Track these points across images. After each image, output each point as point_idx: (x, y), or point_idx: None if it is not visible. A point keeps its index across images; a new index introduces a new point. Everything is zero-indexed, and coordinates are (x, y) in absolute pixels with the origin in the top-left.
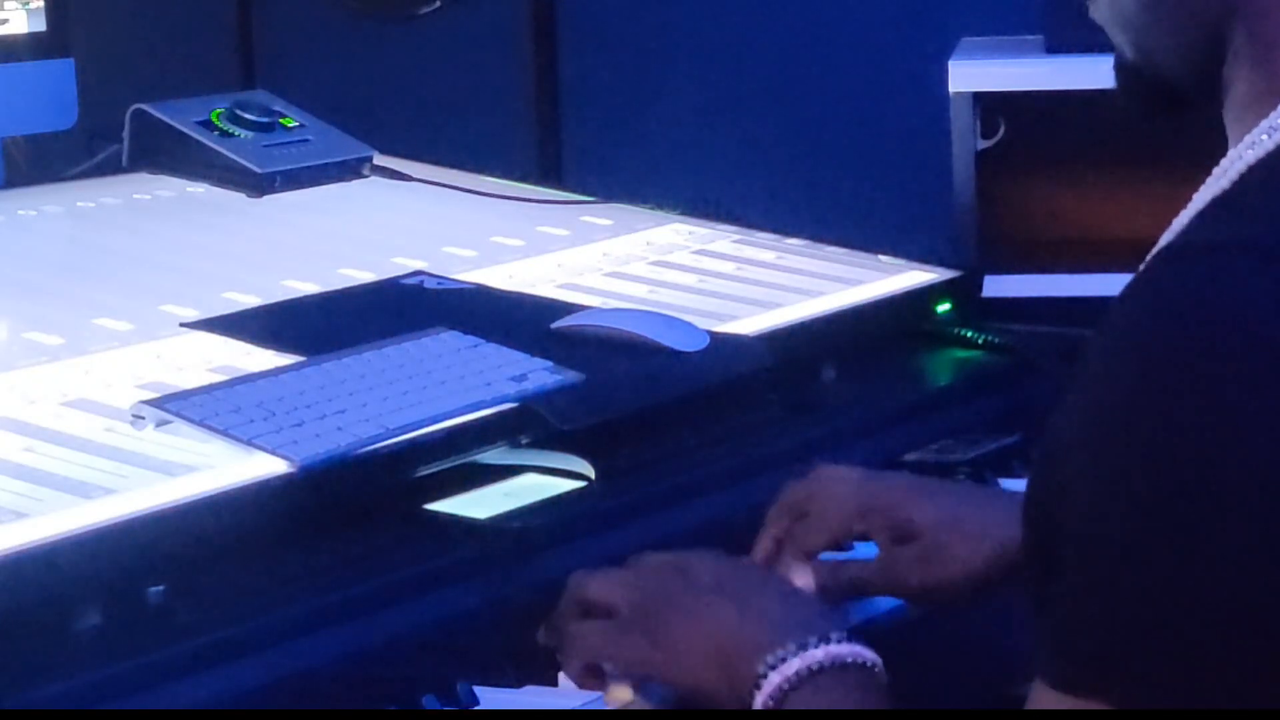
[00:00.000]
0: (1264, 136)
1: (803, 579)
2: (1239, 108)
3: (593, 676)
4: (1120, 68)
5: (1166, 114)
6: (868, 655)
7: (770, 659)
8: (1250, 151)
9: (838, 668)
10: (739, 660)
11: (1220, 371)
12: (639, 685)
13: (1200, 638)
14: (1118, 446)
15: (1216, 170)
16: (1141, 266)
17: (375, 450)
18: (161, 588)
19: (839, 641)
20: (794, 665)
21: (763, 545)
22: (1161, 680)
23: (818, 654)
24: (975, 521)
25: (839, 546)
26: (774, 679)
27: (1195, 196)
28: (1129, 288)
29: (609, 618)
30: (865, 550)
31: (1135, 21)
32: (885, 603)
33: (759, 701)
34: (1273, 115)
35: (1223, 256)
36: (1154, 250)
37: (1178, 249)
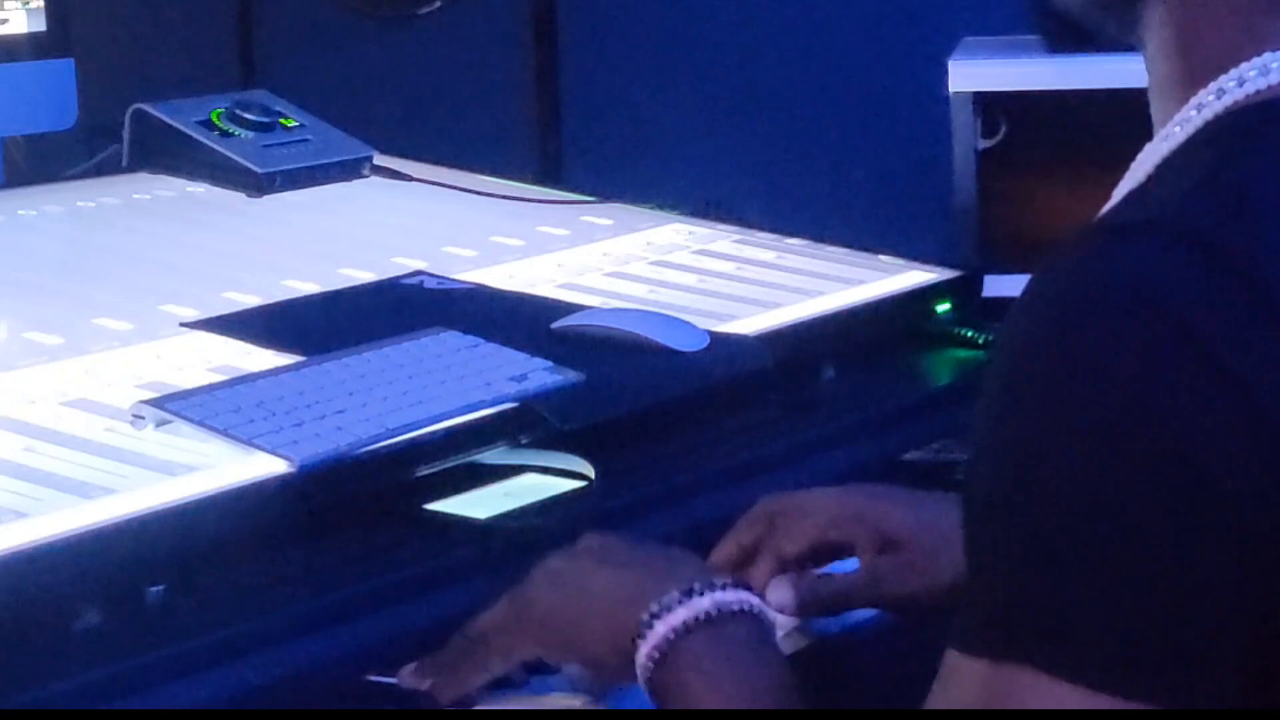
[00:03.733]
0: (1176, 129)
1: (780, 593)
2: (1158, 93)
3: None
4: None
5: (1078, 46)
6: (753, 601)
7: (654, 607)
8: (1165, 144)
9: (726, 615)
10: (623, 614)
11: (1113, 341)
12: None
13: (1095, 593)
14: (1011, 416)
15: (1134, 164)
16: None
17: (375, 450)
18: (161, 588)
19: (724, 589)
20: (680, 615)
21: (725, 549)
22: (1074, 639)
23: (704, 602)
24: (954, 528)
25: (817, 562)
26: (659, 629)
27: (1115, 191)
28: (1034, 271)
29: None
30: (845, 566)
31: None
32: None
33: (643, 651)
34: (1184, 109)
35: (1123, 235)
36: None
37: (1081, 232)
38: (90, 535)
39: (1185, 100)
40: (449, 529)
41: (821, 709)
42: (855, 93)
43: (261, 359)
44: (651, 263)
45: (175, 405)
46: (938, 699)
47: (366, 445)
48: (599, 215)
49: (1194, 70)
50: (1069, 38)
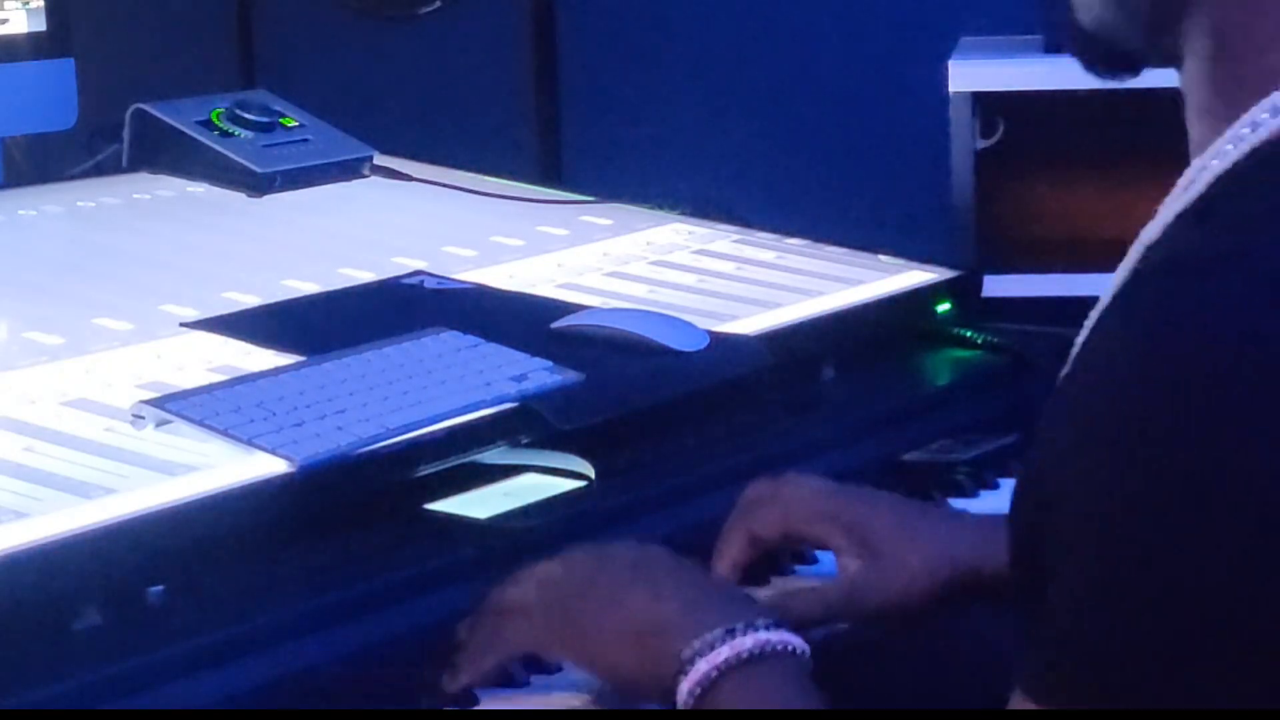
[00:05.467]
0: (1229, 146)
1: None
2: (1200, 111)
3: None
4: (1074, 32)
5: (1126, 75)
6: (795, 641)
7: (697, 644)
8: (1216, 162)
9: (767, 655)
10: (660, 642)
11: (1222, 387)
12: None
13: (1199, 651)
14: (1121, 466)
15: (1182, 180)
16: (1122, 279)
17: (375, 450)
18: (161, 588)
19: (767, 628)
20: (723, 653)
21: (728, 551)
22: (1159, 691)
23: (747, 641)
24: (930, 538)
25: (798, 558)
26: (702, 666)
27: (1162, 208)
28: (1118, 302)
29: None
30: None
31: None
32: None
33: (684, 688)
34: (1237, 125)
35: (1214, 270)
36: (1130, 262)
37: (1165, 263)
38: (90, 535)
39: (1233, 117)
40: (449, 529)
41: (824, 710)
42: (855, 93)
43: (261, 359)
44: (651, 263)
45: (175, 405)
46: None
47: (366, 445)
48: (599, 215)
49: (1242, 85)
50: (1107, 64)
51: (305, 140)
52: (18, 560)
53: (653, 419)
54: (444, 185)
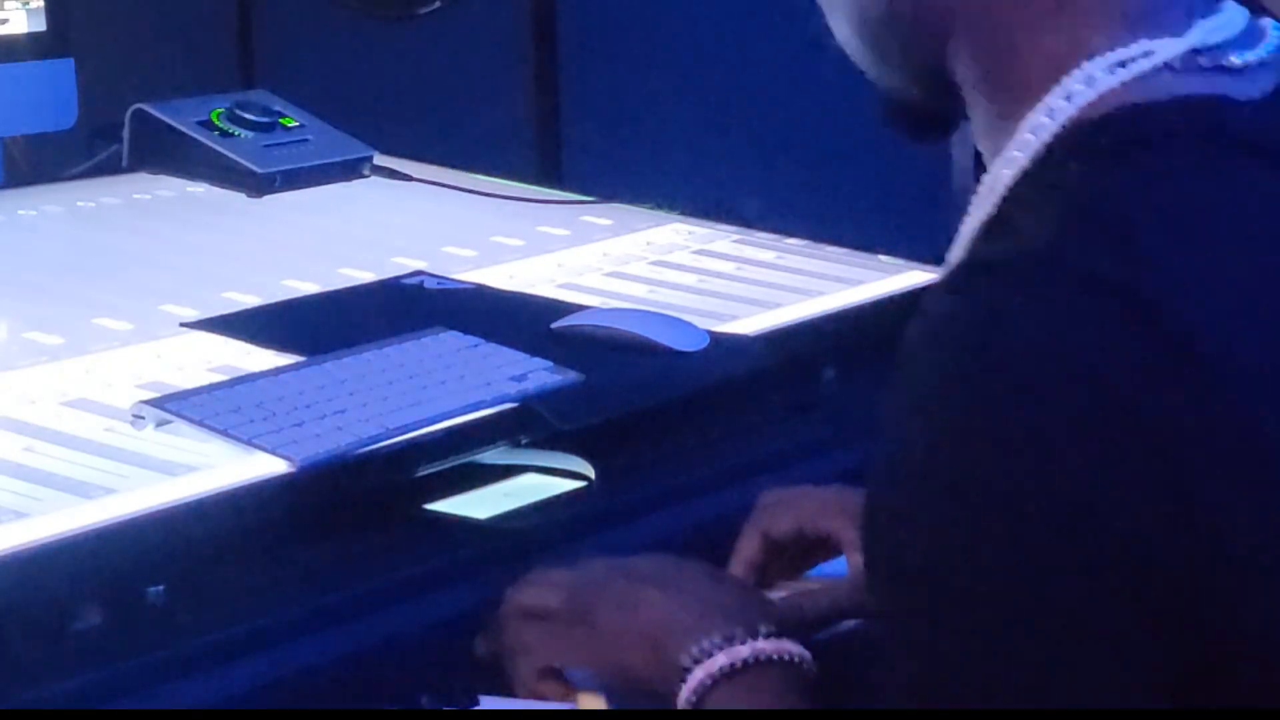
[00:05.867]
0: (1016, 153)
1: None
2: (983, 132)
3: (547, 681)
4: (879, 98)
5: (939, 136)
6: (794, 650)
7: (695, 651)
8: (1007, 171)
9: (763, 664)
10: (668, 645)
11: (998, 397)
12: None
13: (1012, 673)
14: (903, 485)
15: (979, 194)
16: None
17: (375, 450)
18: (161, 588)
19: (766, 637)
20: (719, 661)
21: (741, 563)
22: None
23: (743, 650)
24: None
25: (807, 560)
26: (699, 673)
27: (965, 222)
28: (916, 316)
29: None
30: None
31: (867, 64)
32: None
33: (683, 695)
34: (1019, 134)
35: (988, 278)
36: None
37: (951, 275)
38: (90, 535)
39: (1015, 127)
40: (449, 529)
41: (820, 709)
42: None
43: (261, 359)
44: (651, 263)
45: (175, 405)
46: None
47: (366, 445)
48: (599, 215)
49: (1016, 94)
50: (914, 126)
51: (305, 140)
52: (18, 560)
53: (653, 419)
54: (444, 185)
